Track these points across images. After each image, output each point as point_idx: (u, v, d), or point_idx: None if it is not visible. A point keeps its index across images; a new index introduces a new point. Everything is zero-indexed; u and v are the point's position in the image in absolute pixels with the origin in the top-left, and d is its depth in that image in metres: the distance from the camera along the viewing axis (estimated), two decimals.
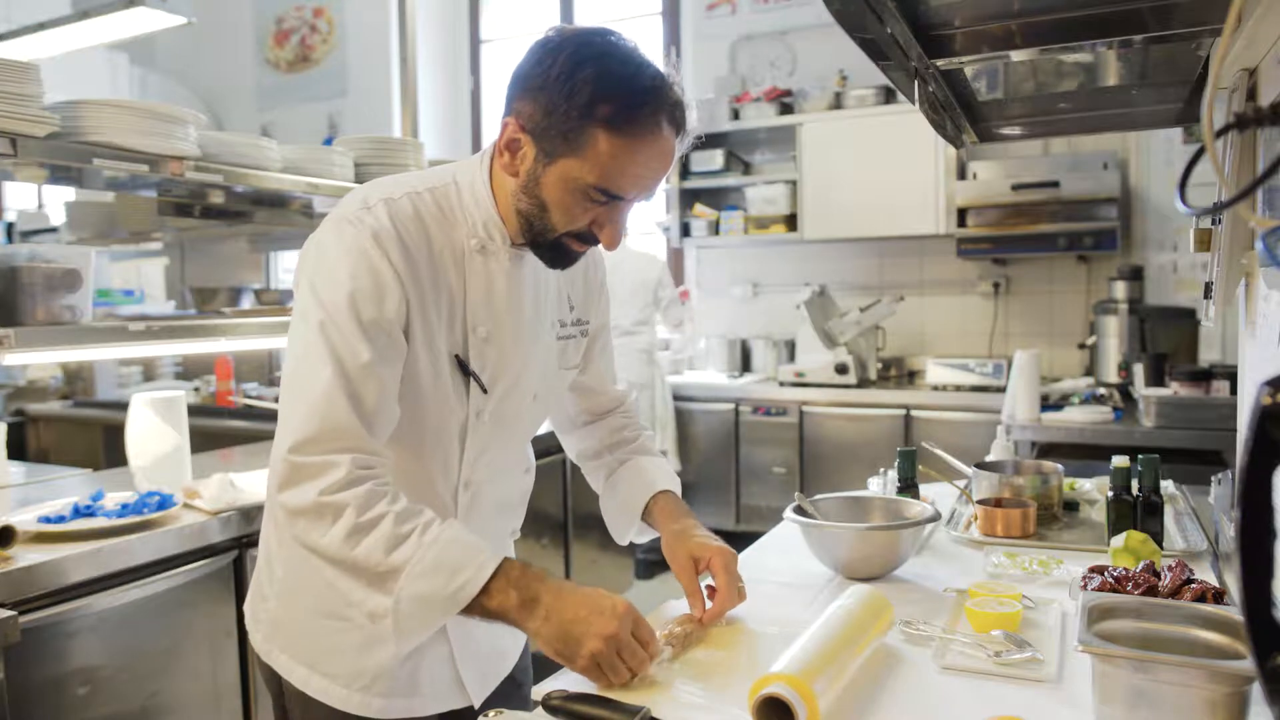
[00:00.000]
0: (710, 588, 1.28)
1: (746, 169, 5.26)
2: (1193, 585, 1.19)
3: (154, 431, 2.11)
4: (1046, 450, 3.35)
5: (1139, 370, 3.60)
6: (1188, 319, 3.87)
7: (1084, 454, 3.20)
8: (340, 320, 1.11)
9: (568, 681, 1.09)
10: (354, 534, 1.07)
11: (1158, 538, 1.58)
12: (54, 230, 4.19)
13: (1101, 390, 3.83)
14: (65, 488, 2.28)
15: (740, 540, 1.53)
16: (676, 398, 4.81)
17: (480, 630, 1.32)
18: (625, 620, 1.08)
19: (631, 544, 1.49)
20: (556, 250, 1.20)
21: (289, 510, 1.09)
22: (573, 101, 1.08)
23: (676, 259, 5.57)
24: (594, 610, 1.08)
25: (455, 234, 1.21)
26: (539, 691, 1.06)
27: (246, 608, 1.37)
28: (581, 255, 1.23)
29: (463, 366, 1.22)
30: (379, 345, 1.12)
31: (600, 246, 1.23)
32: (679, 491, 1.44)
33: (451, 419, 1.23)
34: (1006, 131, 2.17)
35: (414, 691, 1.27)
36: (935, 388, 4.37)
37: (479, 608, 1.08)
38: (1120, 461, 1.65)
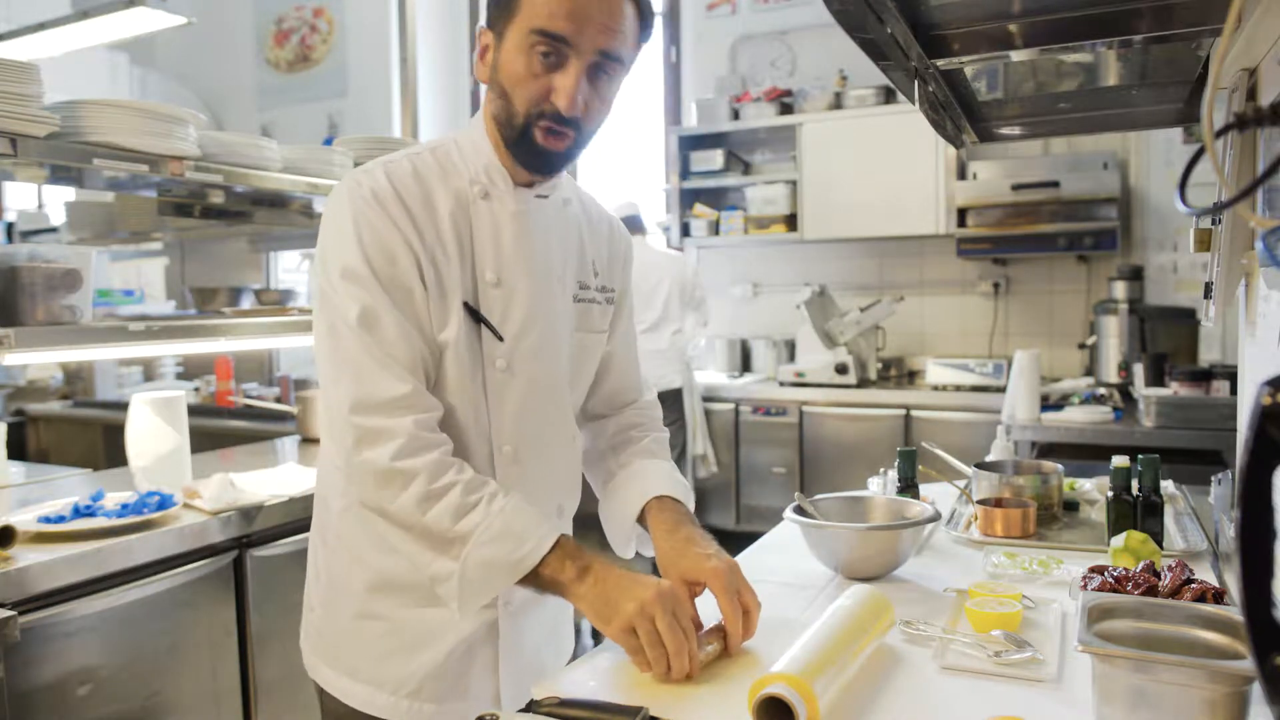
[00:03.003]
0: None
1: (746, 169, 5.26)
2: (1193, 585, 1.19)
3: (154, 431, 2.11)
4: (1046, 450, 3.35)
5: (1139, 370, 3.60)
6: (1188, 319, 3.87)
7: (1084, 454, 3.21)
8: (359, 279, 1.13)
9: (560, 686, 1.09)
10: (425, 500, 1.10)
11: (1158, 538, 1.58)
12: (54, 230, 4.20)
13: (1101, 390, 3.83)
14: (65, 488, 2.28)
15: (740, 540, 1.53)
16: None
17: (528, 641, 1.30)
18: (665, 595, 1.07)
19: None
20: (531, 147, 1.16)
21: (362, 471, 1.12)
22: None
23: None
24: (636, 581, 1.09)
25: (458, 184, 1.21)
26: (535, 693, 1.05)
27: (302, 628, 1.36)
28: (559, 150, 1.17)
29: (474, 314, 1.20)
30: (399, 299, 1.14)
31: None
32: (684, 496, 1.32)
33: (472, 372, 1.20)
34: (1006, 131, 2.17)
35: (465, 695, 1.24)
36: (935, 388, 4.37)
37: (534, 576, 1.11)
38: (1120, 461, 1.65)
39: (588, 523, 1.45)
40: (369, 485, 1.12)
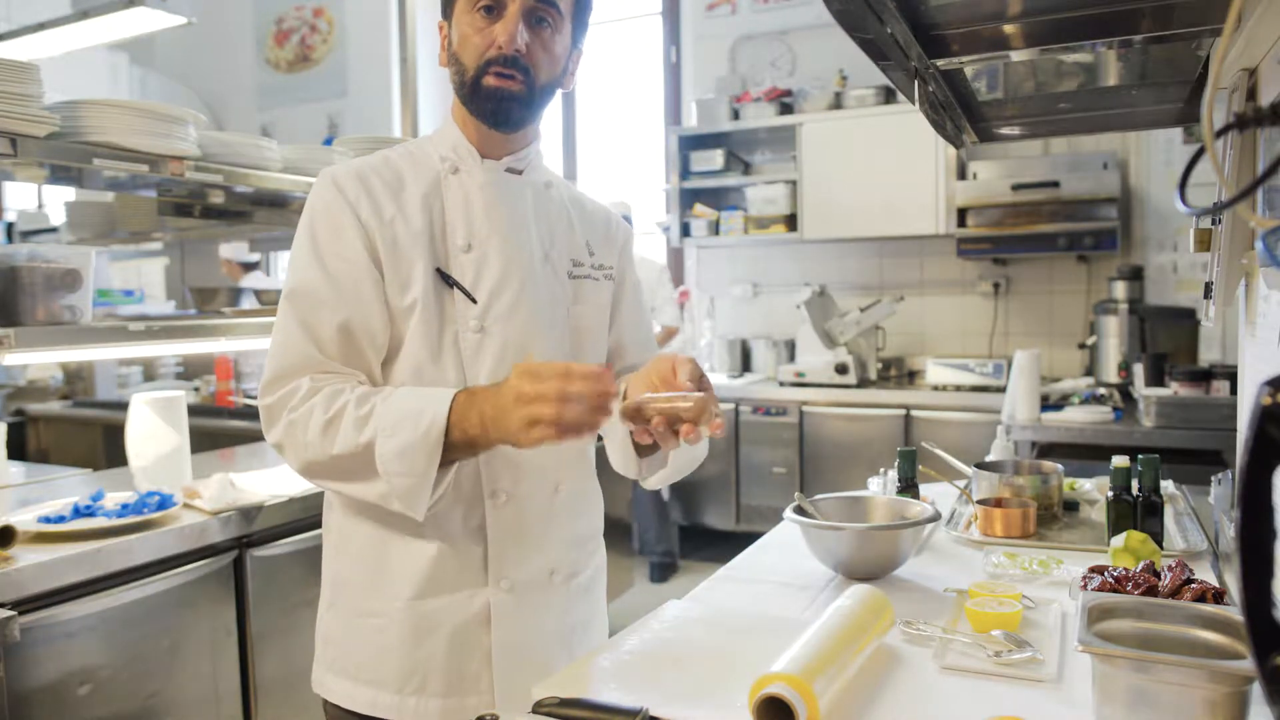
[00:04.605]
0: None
1: (746, 169, 5.26)
2: (1193, 585, 1.19)
3: (154, 431, 2.11)
4: (1046, 450, 3.35)
5: (1139, 370, 3.60)
6: (1188, 319, 3.87)
7: (1084, 454, 3.20)
8: (300, 260, 1.21)
9: (561, 686, 1.09)
10: (327, 431, 1.13)
11: (1158, 538, 1.58)
12: (54, 230, 4.20)
13: (1101, 390, 3.83)
14: (65, 488, 2.28)
15: (740, 540, 1.52)
16: None
17: (529, 627, 1.28)
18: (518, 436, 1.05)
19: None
20: (483, 93, 1.21)
21: (276, 447, 1.18)
22: None
23: (676, 259, 5.57)
24: (506, 399, 1.06)
25: (430, 166, 1.28)
26: (536, 693, 1.05)
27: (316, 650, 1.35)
28: (511, 90, 1.21)
29: (446, 278, 1.24)
30: (336, 269, 1.19)
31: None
32: None
33: (441, 333, 1.23)
34: (1006, 131, 2.17)
35: (472, 690, 1.23)
36: (935, 388, 4.37)
37: (454, 445, 1.10)
38: (1120, 461, 1.65)
39: (604, 530, 1.46)
40: (286, 455, 1.17)
